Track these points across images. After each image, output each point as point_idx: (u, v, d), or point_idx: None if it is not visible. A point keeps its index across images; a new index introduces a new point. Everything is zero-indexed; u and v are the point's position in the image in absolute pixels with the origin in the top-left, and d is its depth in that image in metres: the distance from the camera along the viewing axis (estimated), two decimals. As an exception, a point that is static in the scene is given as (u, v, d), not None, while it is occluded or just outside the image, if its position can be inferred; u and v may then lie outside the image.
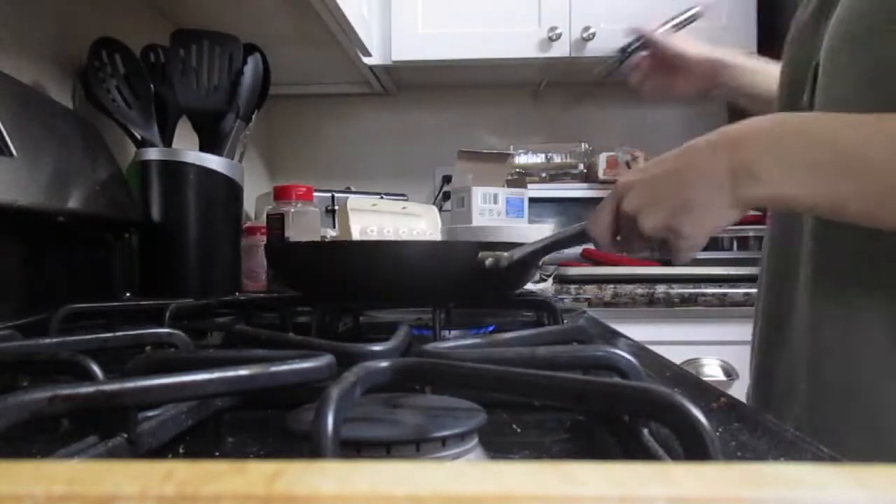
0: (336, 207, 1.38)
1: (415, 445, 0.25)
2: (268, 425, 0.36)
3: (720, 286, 1.24)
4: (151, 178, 0.95)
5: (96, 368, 0.31)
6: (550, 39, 1.52)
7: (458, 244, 0.62)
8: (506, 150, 1.59)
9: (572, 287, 1.26)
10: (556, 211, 1.61)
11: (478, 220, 1.18)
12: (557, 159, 1.69)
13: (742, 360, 0.89)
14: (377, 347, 0.37)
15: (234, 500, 0.12)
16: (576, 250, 1.51)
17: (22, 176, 0.66)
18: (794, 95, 0.59)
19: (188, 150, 0.98)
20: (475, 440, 0.27)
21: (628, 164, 1.52)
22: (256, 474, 0.13)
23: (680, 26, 0.97)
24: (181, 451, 0.32)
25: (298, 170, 1.86)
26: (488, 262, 0.58)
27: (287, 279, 0.70)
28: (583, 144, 1.69)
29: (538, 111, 1.85)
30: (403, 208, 1.11)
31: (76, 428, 0.30)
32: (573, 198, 1.63)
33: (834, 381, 0.53)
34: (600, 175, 1.56)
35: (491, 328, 0.68)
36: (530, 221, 1.25)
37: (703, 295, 1.23)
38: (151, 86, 0.97)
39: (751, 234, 1.41)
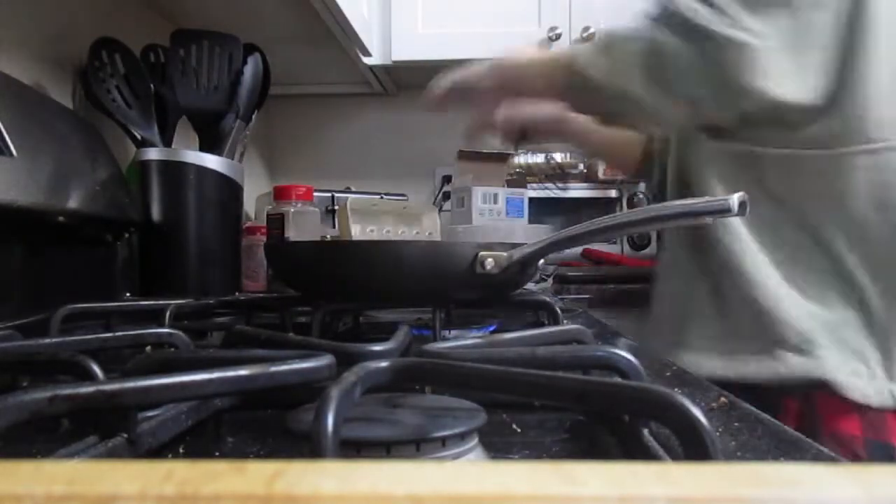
0: (336, 207, 1.38)
1: (415, 445, 0.25)
2: (268, 425, 0.36)
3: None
4: (151, 178, 0.95)
5: (96, 368, 0.31)
6: (550, 39, 1.52)
7: (457, 244, 0.62)
8: (506, 150, 1.59)
9: (572, 287, 1.26)
10: (556, 211, 1.61)
11: (478, 220, 1.18)
12: (557, 159, 1.69)
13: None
14: (377, 347, 0.37)
15: (234, 500, 0.12)
16: (576, 250, 1.51)
17: (22, 176, 0.66)
18: None
19: (188, 150, 0.98)
20: (475, 440, 0.27)
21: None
22: (256, 474, 0.13)
23: None
24: (181, 451, 0.32)
25: (298, 170, 1.85)
26: (488, 262, 0.58)
27: (287, 279, 0.70)
28: (583, 144, 1.69)
29: (538, 111, 1.85)
30: (403, 208, 1.11)
31: (76, 428, 0.30)
32: (573, 198, 1.63)
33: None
34: (600, 175, 1.56)
35: (491, 328, 0.68)
36: (530, 221, 1.25)
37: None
38: (151, 86, 0.97)
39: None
